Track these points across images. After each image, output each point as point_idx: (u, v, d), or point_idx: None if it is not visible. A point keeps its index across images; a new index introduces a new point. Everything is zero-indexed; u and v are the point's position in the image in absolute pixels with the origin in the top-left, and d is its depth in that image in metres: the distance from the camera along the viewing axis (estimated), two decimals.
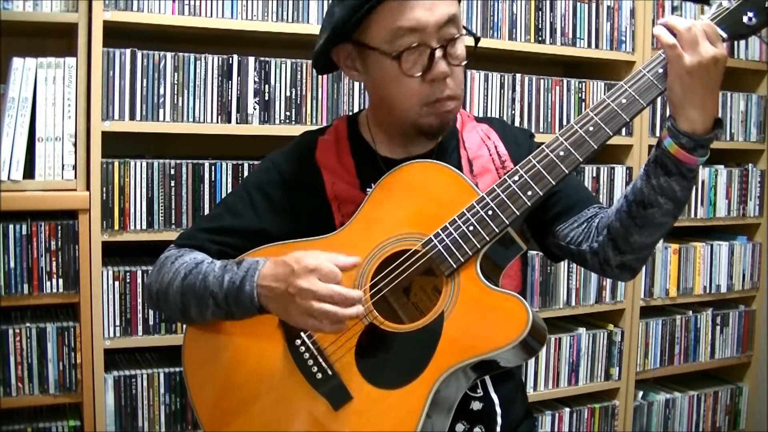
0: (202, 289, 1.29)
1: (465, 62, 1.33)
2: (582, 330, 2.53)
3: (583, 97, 2.49)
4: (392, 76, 1.30)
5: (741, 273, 2.85)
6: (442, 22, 1.27)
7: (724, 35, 1.20)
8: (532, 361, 2.44)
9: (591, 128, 1.22)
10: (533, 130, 2.38)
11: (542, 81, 2.42)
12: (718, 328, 2.82)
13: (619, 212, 1.27)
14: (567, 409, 2.53)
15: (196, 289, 1.30)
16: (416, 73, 1.29)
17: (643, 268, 2.54)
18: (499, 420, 1.32)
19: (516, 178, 1.24)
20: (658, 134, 2.50)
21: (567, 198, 1.40)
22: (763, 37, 1.29)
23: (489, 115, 2.33)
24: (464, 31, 1.32)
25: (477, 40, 1.36)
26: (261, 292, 1.24)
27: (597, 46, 2.50)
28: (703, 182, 2.73)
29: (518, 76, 2.39)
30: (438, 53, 1.28)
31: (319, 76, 2.11)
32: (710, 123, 1.20)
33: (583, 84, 2.48)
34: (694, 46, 1.15)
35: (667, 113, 1.23)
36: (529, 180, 1.23)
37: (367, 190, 1.37)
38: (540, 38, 2.40)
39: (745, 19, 1.21)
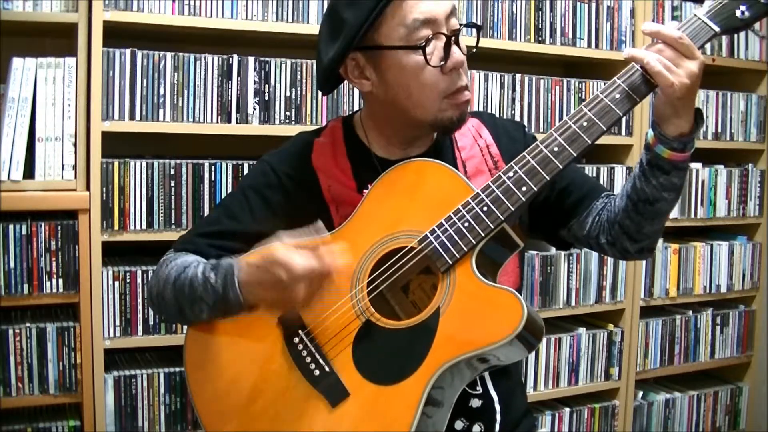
0: (192, 294, 1.31)
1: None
2: (582, 330, 2.53)
3: (583, 97, 2.49)
4: (412, 73, 1.30)
5: (741, 273, 2.84)
6: (449, 12, 1.31)
7: (717, 29, 1.21)
8: (532, 361, 2.44)
9: (585, 123, 1.23)
10: (533, 131, 2.38)
11: (542, 81, 2.42)
12: (718, 328, 2.82)
13: (626, 211, 1.33)
14: (567, 409, 2.53)
15: (186, 295, 1.32)
16: (437, 64, 1.30)
17: (643, 269, 2.59)
18: (498, 417, 1.32)
19: (510, 174, 1.25)
20: None
21: (578, 191, 1.44)
22: (756, 31, 1.29)
23: None
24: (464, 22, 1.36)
25: (479, 29, 1.42)
26: (245, 293, 1.25)
27: (597, 46, 2.50)
28: (703, 182, 2.72)
29: (518, 76, 2.39)
30: (452, 41, 1.31)
31: None
32: (693, 119, 1.24)
33: (583, 84, 2.49)
34: (681, 70, 1.18)
35: (652, 117, 1.24)
36: (523, 176, 1.24)
37: (364, 191, 1.37)
38: (540, 38, 2.41)
39: (738, 12, 1.22)
